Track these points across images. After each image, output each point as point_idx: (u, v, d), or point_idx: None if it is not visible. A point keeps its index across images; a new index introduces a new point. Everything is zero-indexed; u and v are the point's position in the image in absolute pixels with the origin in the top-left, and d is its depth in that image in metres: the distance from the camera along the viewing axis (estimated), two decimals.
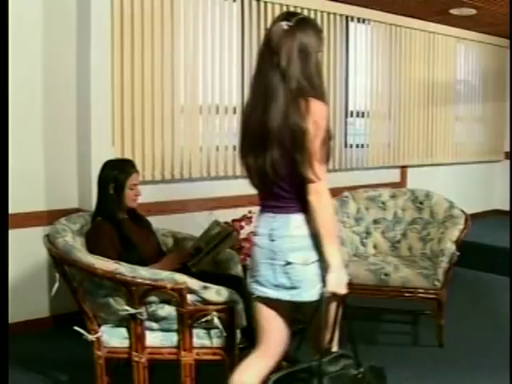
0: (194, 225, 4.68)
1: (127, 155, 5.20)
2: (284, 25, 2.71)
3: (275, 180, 2.76)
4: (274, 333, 2.94)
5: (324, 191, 2.68)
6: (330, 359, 2.81)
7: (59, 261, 3.42)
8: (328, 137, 2.69)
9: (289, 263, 2.75)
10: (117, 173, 3.89)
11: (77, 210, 4.65)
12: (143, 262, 3.68)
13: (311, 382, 2.67)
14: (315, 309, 2.79)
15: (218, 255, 4.09)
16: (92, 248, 3.68)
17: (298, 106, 2.63)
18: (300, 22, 2.73)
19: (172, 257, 3.98)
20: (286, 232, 2.76)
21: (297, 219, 2.76)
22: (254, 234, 2.96)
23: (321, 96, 2.71)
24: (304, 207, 2.73)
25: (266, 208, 2.89)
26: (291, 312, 2.95)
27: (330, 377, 2.71)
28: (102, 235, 3.74)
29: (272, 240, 2.80)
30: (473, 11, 7.12)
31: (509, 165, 9.58)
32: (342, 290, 2.75)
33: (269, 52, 2.74)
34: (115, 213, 3.90)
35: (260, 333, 2.95)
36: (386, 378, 3.02)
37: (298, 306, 2.89)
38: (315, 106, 2.64)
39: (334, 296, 2.76)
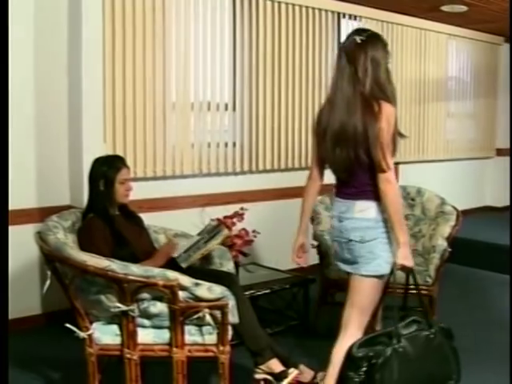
0: (186, 222, 4.69)
1: (119, 152, 5.19)
2: (357, 39, 3.21)
3: (350, 171, 3.24)
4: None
5: (393, 180, 3.15)
6: (404, 324, 3.32)
7: (51, 258, 3.41)
8: (396, 133, 3.20)
9: (350, 240, 3.27)
10: (106, 169, 3.90)
11: (68, 207, 4.65)
12: (136, 259, 3.68)
13: (391, 343, 3.17)
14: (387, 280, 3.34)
15: (208, 252, 4.09)
16: (84, 245, 3.67)
17: (371, 108, 3.12)
18: (370, 37, 3.26)
19: (163, 251, 3.98)
20: (350, 215, 3.26)
21: (360, 205, 3.23)
22: (331, 216, 3.49)
23: (390, 99, 3.22)
24: (367, 195, 3.21)
25: (338, 194, 3.40)
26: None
27: (406, 338, 3.23)
28: (94, 231, 3.74)
29: (340, 221, 3.32)
30: (464, 8, 7.13)
31: (500, 161, 9.63)
32: (410, 262, 3.26)
33: (344, 62, 3.22)
34: (107, 209, 3.91)
35: (347, 302, 3.45)
36: (454, 337, 3.46)
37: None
38: (386, 107, 3.14)
39: (403, 267, 3.27)
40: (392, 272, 3.30)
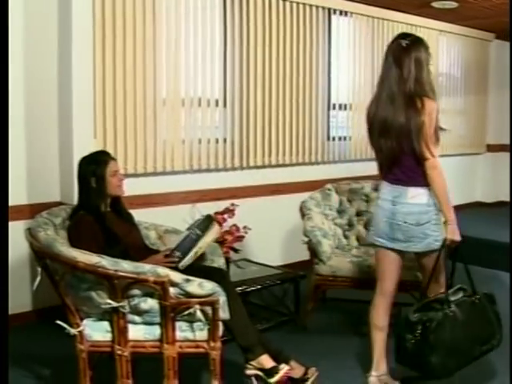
0: (177, 218, 4.68)
1: (109, 148, 5.17)
2: (403, 43, 3.65)
3: (395, 159, 3.68)
4: (390, 273, 3.91)
5: (439, 165, 3.63)
6: (452, 291, 3.75)
7: (41, 254, 3.41)
8: (438, 125, 3.65)
9: (405, 223, 3.70)
10: (94, 166, 3.92)
11: (59, 204, 4.63)
12: (127, 256, 3.67)
13: (442, 308, 3.59)
14: (437, 255, 3.76)
15: (202, 251, 4.05)
16: (74, 241, 3.67)
17: (414, 104, 3.57)
18: (414, 41, 3.68)
19: (157, 259, 3.95)
20: (403, 200, 3.69)
21: (412, 191, 3.67)
22: (378, 198, 3.89)
23: (432, 96, 3.66)
24: (418, 182, 3.66)
25: (388, 180, 3.78)
26: (402, 259, 3.92)
27: (455, 303, 3.65)
28: (83, 228, 3.75)
29: (394, 205, 3.73)
30: (454, 4, 7.15)
31: (490, 157, 9.66)
32: (458, 237, 3.70)
33: (390, 63, 3.66)
34: (99, 206, 3.92)
35: (380, 275, 3.95)
36: (496, 302, 3.92)
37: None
38: (428, 103, 3.59)
39: (453, 242, 3.70)
40: (443, 246, 3.72)
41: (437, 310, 3.61)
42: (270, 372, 3.74)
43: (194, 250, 3.94)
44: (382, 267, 3.93)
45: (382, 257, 3.91)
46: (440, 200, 3.65)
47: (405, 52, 3.64)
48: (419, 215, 3.68)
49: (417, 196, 3.68)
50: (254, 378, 3.80)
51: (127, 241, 3.92)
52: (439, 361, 3.55)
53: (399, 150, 3.65)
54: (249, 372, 3.80)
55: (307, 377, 3.86)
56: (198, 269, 3.98)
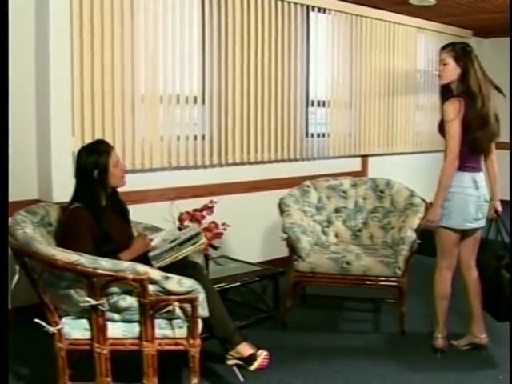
0: (155, 215, 4.68)
1: None
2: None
3: (485, 150, 4.33)
4: (456, 250, 4.42)
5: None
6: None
7: (19, 252, 3.40)
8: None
9: (486, 201, 4.32)
10: (96, 157, 3.83)
11: (37, 201, 4.62)
12: (116, 253, 3.68)
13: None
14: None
15: (182, 256, 3.97)
16: (71, 238, 3.67)
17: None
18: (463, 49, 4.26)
19: (139, 243, 3.94)
20: (482, 183, 4.29)
21: (482, 175, 4.33)
22: (456, 187, 4.23)
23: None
24: (481, 168, 4.35)
25: (468, 169, 4.24)
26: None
27: None
28: (82, 224, 3.70)
29: (477, 188, 4.25)
30: (432, 2, 7.17)
31: None
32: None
33: (476, 66, 4.24)
34: (100, 200, 3.87)
35: (449, 253, 4.40)
36: None
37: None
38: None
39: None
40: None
41: None
42: (249, 359, 3.77)
43: (174, 255, 3.90)
44: (453, 246, 4.37)
45: (455, 238, 4.34)
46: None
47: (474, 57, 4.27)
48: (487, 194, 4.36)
49: (483, 179, 4.34)
50: (235, 368, 3.84)
51: (119, 238, 3.89)
52: None
53: (489, 142, 4.30)
54: (230, 362, 3.84)
55: (256, 355, 3.82)
56: (173, 264, 3.98)
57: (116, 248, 3.77)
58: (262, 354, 3.79)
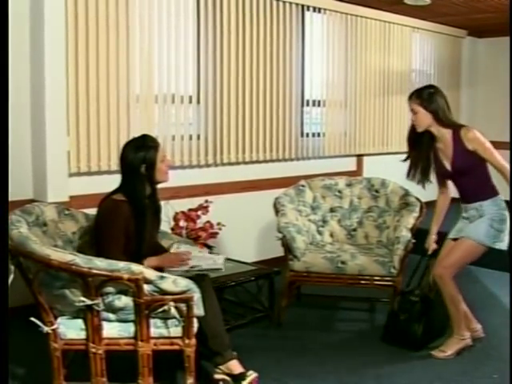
0: None
1: (82, 145, 5.16)
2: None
3: None
4: None
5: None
6: None
7: (14, 252, 3.39)
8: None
9: None
10: (144, 152, 3.81)
11: (32, 201, 4.61)
12: (140, 251, 3.75)
13: None
14: None
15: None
16: (103, 224, 3.73)
17: None
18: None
19: (174, 258, 3.96)
20: None
21: None
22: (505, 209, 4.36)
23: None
24: None
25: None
26: None
27: None
28: (119, 215, 3.72)
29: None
30: (427, 1, 7.17)
31: None
32: None
33: None
34: (143, 197, 3.86)
35: (465, 264, 4.46)
36: None
37: None
38: None
39: None
40: None
41: None
42: (238, 378, 3.76)
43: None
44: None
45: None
46: None
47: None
48: None
49: None
50: (221, 383, 3.81)
51: (148, 239, 3.91)
52: None
53: None
54: (217, 376, 3.82)
55: (246, 375, 3.81)
56: None
57: (143, 248, 3.79)
58: (252, 376, 3.79)
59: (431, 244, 4.62)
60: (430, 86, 4.45)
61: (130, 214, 3.75)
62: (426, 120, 4.33)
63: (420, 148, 4.49)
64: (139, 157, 3.80)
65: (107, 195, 3.88)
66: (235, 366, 3.80)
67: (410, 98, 4.42)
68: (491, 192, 4.33)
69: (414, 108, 4.36)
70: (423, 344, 4.45)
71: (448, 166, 4.36)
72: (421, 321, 4.52)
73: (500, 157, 4.22)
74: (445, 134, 4.33)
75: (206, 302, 3.59)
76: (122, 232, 3.70)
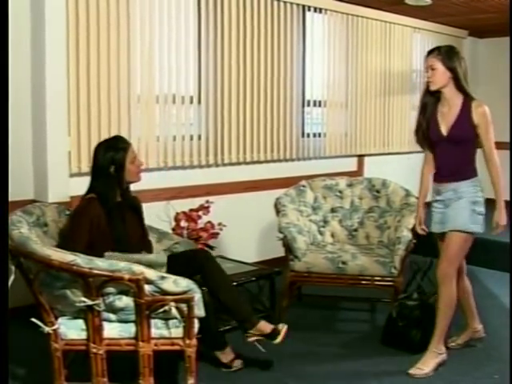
0: (151, 215, 4.68)
1: (83, 145, 5.16)
2: None
3: None
4: None
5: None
6: None
7: (15, 253, 3.39)
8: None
9: None
10: (113, 153, 3.87)
11: (32, 202, 4.61)
12: (127, 249, 3.75)
13: None
14: None
15: None
16: (71, 218, 3.81)
17: None
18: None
19: None
20: None
21: None
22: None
23: None
24: None
25: None
26: None
27: None
28: (85, 214, 3.76)
29: None
30: (428, 1, 7.17)
31: None
32: None
33: None
34: (114, 196, 3.91)
35: (461, 258, 4.32)
36: None
37: None
38: None
39: None
40: None
41: None
42: (272, 335, 3.91)
43: None
44: None
45: None
46: None
47: None
48: None
49: None
50: (257, 343, 3.97)
51: (133, 236, 3.98)
52: None
53: None
54: (251, 339, 3.96)
55: (279, 330, 3.95)
56: (183, 254, 4.13)
57: (127, 248, 3.80)
58: (284, 328, 3.93)
59: (421, 218, 4.52)
60: (453, 47, 4.31)
61: (100, 212, 3.79)
62: (443, 78, 4.17)
63: (426, 111, 4.31)
64: (108, 157, 3.86)
65: (83, 195, 3.94)
66: (265, 326, 3.94)
67: (431, 53, 4.23)
68: (472, 172, 4.21)
69: (432, 64, 4.17)
70: (422, 348, 4.43)
71: (444, 131, 4.22)
72: (419, 327, 4.50)
73: (494, 149, 4.16)
74: (455, 99, 4.21)
75: (216, 277, 3.80)
76: (87, 228, 3.72)
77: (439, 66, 4.15)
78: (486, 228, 4.22)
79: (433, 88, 4.21)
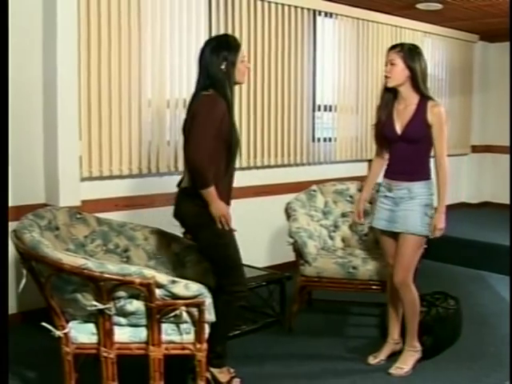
0: (162, 220, 4.67)
1: (94, 150, 5.18)
2: None
3: None
4: None
5: None
6: None
7: (26, 256, 3.39)
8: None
9: None
10: (227, 52, 3.79)
11: (44, 205, 4.62)
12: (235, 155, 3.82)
13: None
14: None
15: None
16: (203, 115, 3.68)
17: None
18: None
19: (223, 211, 3.85)
20: None
21: None
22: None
23: None
24: None
25: None
26: None
27: None
28: (217, 108, 3.70)
29: None
30: (439, 6, 7.17)
31: (475, 158, 9.72)
32: None
33: None
34: (230, 91, 3.82)
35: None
36: None
37: None
38: None
39: None
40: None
41: None
42: None
43: None
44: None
45: None
46: None
47: None
48: None
49: None
50: (208, 375, 3.88)
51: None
52: None
53: None
54: (207, 374, 3.83)
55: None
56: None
57: (235, 154, 3.82)
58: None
59: (360, 210, 4.63)
60: (417, 46, 4.31)
61: (225, 107, 3.72)
62: (401, 75, 4.13)
63: (386, 108, 4.26)
64: (221, 55, 3.78)
65: (192, 96, 3.88)
66: (224, 374, 3.94)
67: (393, 48, 4.21)
68: (426, 174, 4.20)
69: (393, 59, 4.14)
70: (433, 354, 4.41)
71: (399, 129, 4.17)
72: (430, 332, 4.49)
73: (445, 152, 4.18)
74: (411, 98, 4.16)
75: (225, 318, 3.76)
76: (216, 127, 3.66)
77: (399, 63, 4.14)
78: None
79: (389, 85, 4.19)
